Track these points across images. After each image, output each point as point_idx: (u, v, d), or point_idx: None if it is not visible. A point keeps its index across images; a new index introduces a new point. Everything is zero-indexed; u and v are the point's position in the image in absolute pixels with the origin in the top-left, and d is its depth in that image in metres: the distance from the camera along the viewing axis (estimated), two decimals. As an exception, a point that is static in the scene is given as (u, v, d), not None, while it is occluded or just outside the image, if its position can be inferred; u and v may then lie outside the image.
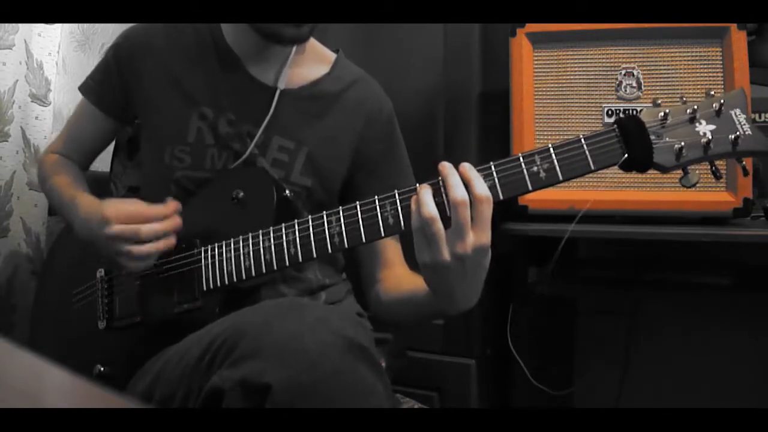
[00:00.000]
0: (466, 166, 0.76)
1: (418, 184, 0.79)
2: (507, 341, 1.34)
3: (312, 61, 1.08)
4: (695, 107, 0.78)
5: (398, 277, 1.05)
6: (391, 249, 1.07)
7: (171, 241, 0.92)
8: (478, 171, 0.78)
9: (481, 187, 0.75)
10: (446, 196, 0.76)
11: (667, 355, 1.49)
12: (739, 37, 1.14)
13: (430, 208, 0.75)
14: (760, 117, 1.23)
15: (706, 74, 1.17)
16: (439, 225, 0.75)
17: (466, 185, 0.75)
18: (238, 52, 1.04)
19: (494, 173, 0.78)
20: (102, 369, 0.97)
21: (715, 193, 1.15)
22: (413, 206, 0.77)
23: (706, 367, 1.46)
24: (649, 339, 1.49)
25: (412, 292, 0.95)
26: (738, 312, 1.43)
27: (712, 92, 0.80)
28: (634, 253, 1.30)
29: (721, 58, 1.16)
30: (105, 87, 1.10)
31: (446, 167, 0.77)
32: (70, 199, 1.03)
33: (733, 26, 1.14)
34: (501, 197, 0.77)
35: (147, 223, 0.90)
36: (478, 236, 0.75)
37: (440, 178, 0.77)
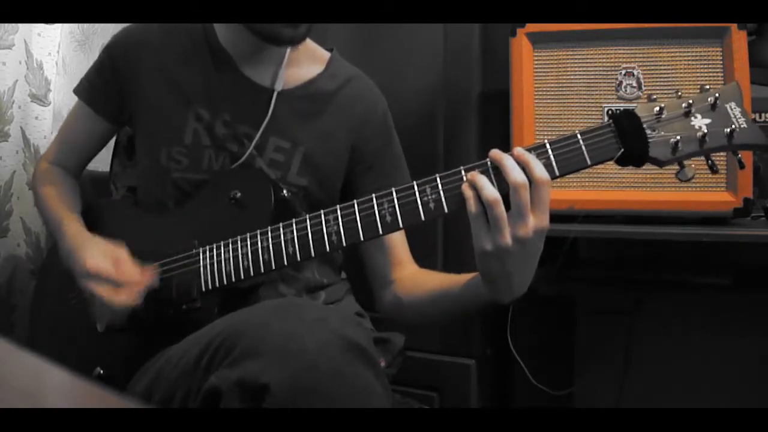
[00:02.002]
0: (521, 150, 0.77)
1: (463, 170, 0.79)
2: (507, 341, 1.34)
3: (306, 61, 1.08)
4: (690, 101, 0.79)
5: (414, 276, 1.04)
6: (402, 248, 1.06)
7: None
8: (476, 166, 0.79)
9: (540, 170, 0.75)
10: (499, 180, 0.76)
11: (667, 355, 1.49)
12: (739, 37, 1.14)
13: (490, 190, 0.75)
14: (760, 117, 1.23)
15: (706, 74, 1.17)
16: (502, 208, 0.75)
17: (522, 168, 0.75)
18: (231, 53, 1.04)
19: (490, 169, 0.78)
20: (101, 371, 0.97)
21: (716, 193, 1.15)
22: (468, 192, 0.77)
23: (706, 366, 1.46)
24: (649, 339, 1.49)
25: (443, 288, 0.94)
26: (738, 312, 1.42)
27: (707, 86, 0.80)
28: (634, 253, 1.30)
29: (721, 58, 1.16)
30: (100, 88, 1.10)
31: (497, 152, 0.77)
32: (56, 223, 1.04)
33: (733, 26, 1.14)
34: None
35: (123, 285, 0.89)
36: (539, 218, 0.76)
37: (488, 161, 0.78)
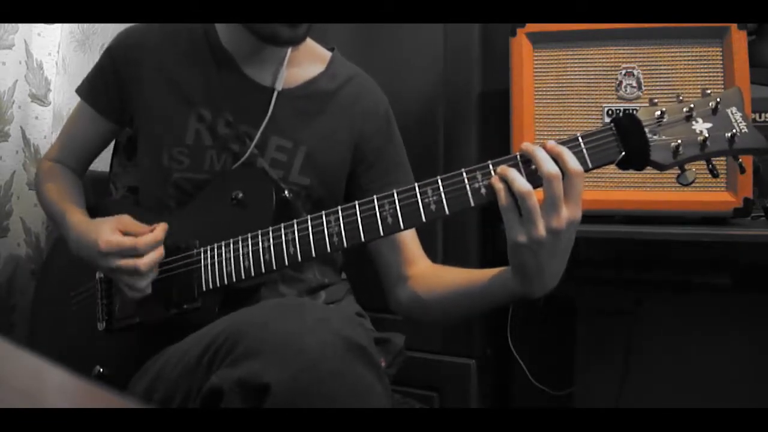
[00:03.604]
0: (553, 142, 0.77)
1: (491, 164, 0.78)
2: (507, 341, 1.34)
3: (307, 60, 1.08)
4: (692, 105, 0.79)
5: (432, 271, 1.03)
6: (413, 244, 1.05)
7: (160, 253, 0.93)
8: (477, 168, 0.78)
9: (573, 162, 0.75)
10: (528, 173, 0.76)
11: (667, 355, 1.49)
12: (739, 37, 1.14)
13: (522, 182, 0.75)
14: (760, 117, 1.23)
15: (706, 74, 1.17)
16: (535, 199, 0.75)
17: (555, 160, 0.75)
18: (233, 53, 1.04)
19: (492, 172, 0.78)
20: (101, 370, 0.97)
21: (716, 192, 1.15)
22: (498, 185, 0.76)
23: (706, 367, 1.46)
24: (649, 339, 1.49)
25: (468, 283, 0.93)
26: (738, 312, 1.42)
27: (709, 91, 0.80)
28: (634, 253, 1.30)
29: (721, 58, 1.16)
30: (102, 89, 1.10)
31: (529, 145, 0.77)
32: (60, 215, 1.05)
33: (733, 26, 1.14)
34: None
35: (142, 251, 0.90)
36: (572, 210, 0.75)
37: (517, 155, 0.78)
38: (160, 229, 0.93)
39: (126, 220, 0.95)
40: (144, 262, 0.90)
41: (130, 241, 0.91)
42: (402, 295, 1.04)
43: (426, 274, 1.03)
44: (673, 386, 1.48)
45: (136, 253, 0.90)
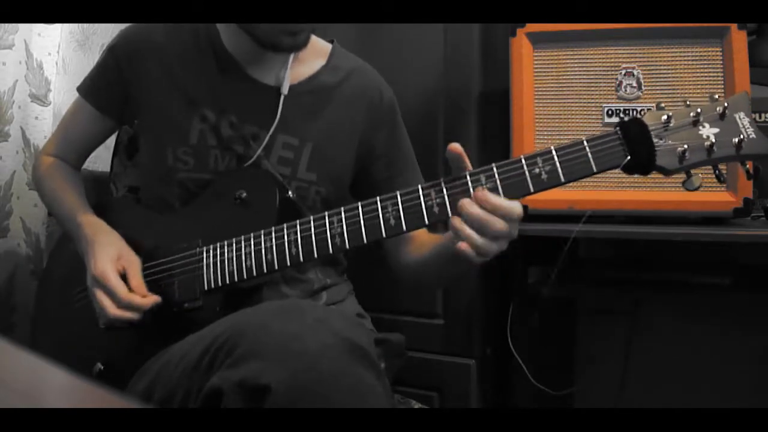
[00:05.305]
0: (479, 210, 0.77)
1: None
2: (507, 341, 1.34)
3: (309, 56, 1.08)
4: (699, 110, 0.78)
5: (420, 239, 1.05)
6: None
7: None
8: (481, 171, 0.78)
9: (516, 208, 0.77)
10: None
11: (667, 355, 1.49)
12: (739, 37, 1.14)
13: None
14: (760, 117, 1.23)
15: (706, 74, 1.17)
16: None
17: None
18: (236, 56, 1.04)
19: (496, 174, 0.78)
20: (102, 368, 0.97)
21: (716, 193, 1.15)
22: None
23: (706, 367, 1.46)
24: (649, 339, 1.49)
25: (436, 241, 0.95)
26: (737, 312, 1.43)
27: (716, 96, 0.79)
28: (634, 253, 1.30)
29: (721, 58, 1.16)
30: (103, 87, 1.10)
31: (460, 220, 0.78)
32: (69, 213, 1.06)
33: (733, 26, 1.14)
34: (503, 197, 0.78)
35: (122, 304, 0.91)
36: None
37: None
38: (150, 300, 0.92)
39: (132, 264, 0.95)
40: (115, 312, 0.91)
41: (115, 285, 0.91)
42: (398, 266, 1.07)
43: (417, 243, 1.04)
44: (672, 386, 1.48)
45: (115, 300, 0.91)
